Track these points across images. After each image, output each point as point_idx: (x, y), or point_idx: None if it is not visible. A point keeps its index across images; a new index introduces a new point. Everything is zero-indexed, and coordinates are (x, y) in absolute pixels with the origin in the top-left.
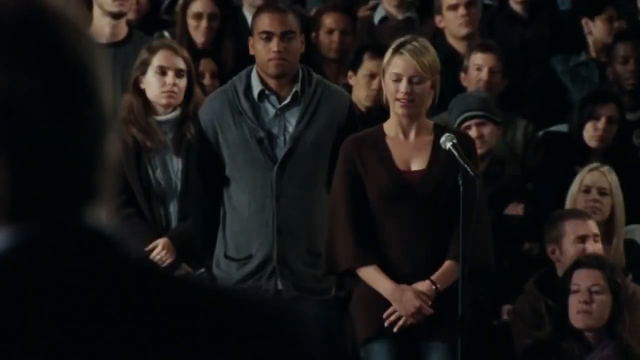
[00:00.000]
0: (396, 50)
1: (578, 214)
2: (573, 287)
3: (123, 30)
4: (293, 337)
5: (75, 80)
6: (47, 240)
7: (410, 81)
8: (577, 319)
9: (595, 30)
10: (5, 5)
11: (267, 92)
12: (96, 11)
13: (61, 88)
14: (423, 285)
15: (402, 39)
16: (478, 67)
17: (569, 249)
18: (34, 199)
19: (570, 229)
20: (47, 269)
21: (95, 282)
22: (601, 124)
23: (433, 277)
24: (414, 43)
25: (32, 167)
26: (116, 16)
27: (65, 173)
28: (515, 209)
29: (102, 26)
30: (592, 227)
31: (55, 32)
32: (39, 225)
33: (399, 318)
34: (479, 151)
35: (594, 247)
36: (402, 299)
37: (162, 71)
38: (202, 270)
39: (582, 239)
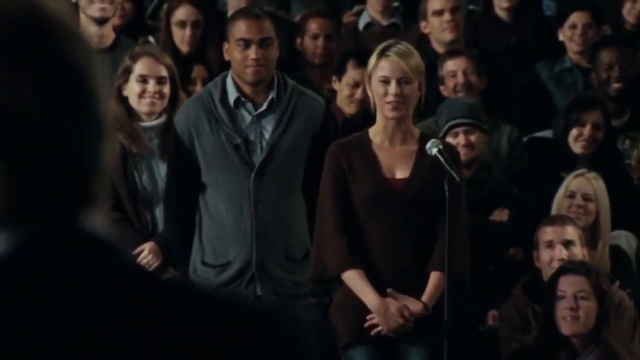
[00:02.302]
0: (381, 54)
1: (553, 220)
2: (559, 294)
3: (110, 36)
4: (293, 343)
5: (73, 85)
6: (45, 244)
7: (399, 82)
8: (563, 325)
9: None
10: (4, 10)
11: (243, 99)
12: (82, 17)
13: (59, 93)
14: (415, 306)
15: (385, 44)
16: (452, 73)
17: (543, 255)
18: (32, 203)
19: (544, 235)
20: (44, 274)
21: (93, 286)
22: (586, 130)
23: (425, 299)
24: (399, 46)
25: (30, 171)
26: (100, 22)
27: (63, 178)
28: (500, 215)
29: (88, 32)
30: (568, 232)
31: (54, 37)
32: (36, 230)
33: (379, 325)
34: (466, 158)
35: (563, 253)
36: (385, 315)
37: (144, 79)
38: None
39: (552, 244)
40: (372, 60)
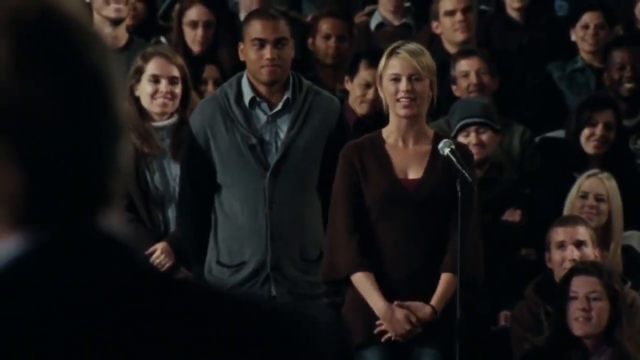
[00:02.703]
0: (391, 53)
1: (564, 221)
2: (571, 294)
3: (123, 37)
4: (309, 343)
5: (90, 85)
6: (62, 245)
7: (409, 79)
8: (576, 326)
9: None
10: (21, 10)
11: (258, 99)
12: (96, 17)
13: (76, 93)
14: (423, 311)
15: (395, 44)
16: (465, 73)
17: (555, 256)
18: (49, 203)
19: (555, 236)
20: (62, 274)
21: (111, 287)
22: (598, 130)
23: (434, 302)
24: (409, 45)
25: (47, 171)
26: (115, 22)
27: (80, 178)
28: (512, 215)
29: (102, 33)
30: (579, 233)
31: (70, 37)
32: (54, 230)
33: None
34: (477, 157)
35: (575, 253)
36: (392, 321)
37: (156, 79)
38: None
39: (563, 245)
40: (383, 60)
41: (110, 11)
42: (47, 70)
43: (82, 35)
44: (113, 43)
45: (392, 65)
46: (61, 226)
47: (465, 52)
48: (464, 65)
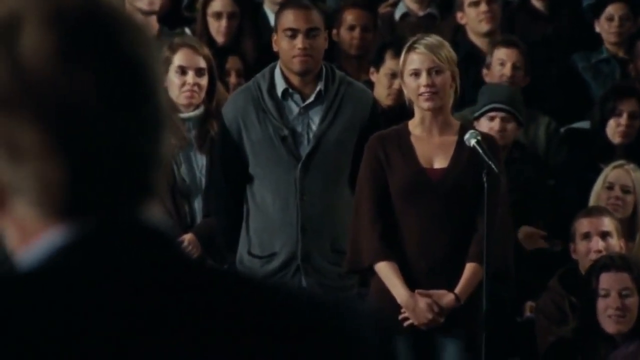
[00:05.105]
0: (410, 48)
1: (589, 212)
2: (601, 292)
3: (154, 27)
4: (355, 334)
5: (132, 77)
6: (105, 236)
7: (429, 73)
8: (607, 323)
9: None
10: (65, 3)
11: (290, 90)
12: (127, 7)
13: (119, 85)
14: (446, 299)
15: (413, 38)
16: (501, 62)
17: (580, 247)
18: (91, 195)
19: (580, 227)
20: (105, 266)
21: (154, 277)
22: (623, 119)
23: (457, 290)
24: (427, 38)
25: (90, 164)
26: (147, 14)
27: (122, 170)
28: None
29: None
30: (605, 224)
31: (114, 30)
32: (96, 222)
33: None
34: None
35: (600, 244)
36: (415, 310)
37: (183, 71)
38: (226, 267)
39: (589, 236)
40: (402, 55)
41: (143, 3)
42: (91, 62)
43: (124, 27)
44: None
45: (411, 61)
46: (103, 217)
47: (507, 41)
48: (503, 53)
